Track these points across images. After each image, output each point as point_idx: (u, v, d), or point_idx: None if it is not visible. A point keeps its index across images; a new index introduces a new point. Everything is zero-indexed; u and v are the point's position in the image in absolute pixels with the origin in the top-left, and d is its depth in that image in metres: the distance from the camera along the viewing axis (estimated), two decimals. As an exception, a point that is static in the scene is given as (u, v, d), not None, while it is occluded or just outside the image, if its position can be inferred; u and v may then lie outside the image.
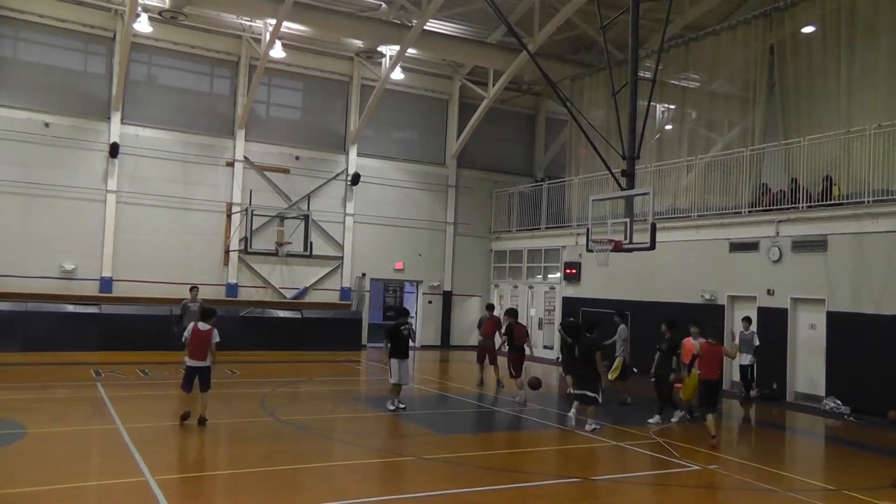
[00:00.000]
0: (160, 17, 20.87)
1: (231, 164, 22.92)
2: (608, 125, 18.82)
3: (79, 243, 20.78)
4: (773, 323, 16.48)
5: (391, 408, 12.90)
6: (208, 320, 11.39)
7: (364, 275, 24.86)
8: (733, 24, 19.69)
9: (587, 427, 11.98)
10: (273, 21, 20.61)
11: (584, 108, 21.71)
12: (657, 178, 20.14)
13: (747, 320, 16.06)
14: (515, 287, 25.70)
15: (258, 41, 22.12)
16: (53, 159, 20.55)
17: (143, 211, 21.60)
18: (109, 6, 21.10)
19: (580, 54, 24.97)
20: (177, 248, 21.94)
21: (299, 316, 22.96)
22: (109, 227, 21.12)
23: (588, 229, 15.16)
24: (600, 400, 12.20)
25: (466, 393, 16.09)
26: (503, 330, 16.09)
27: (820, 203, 16.06)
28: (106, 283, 21.04)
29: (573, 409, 12.35)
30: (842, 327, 15.31)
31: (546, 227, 24.32)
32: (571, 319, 17.15)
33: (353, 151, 24.64)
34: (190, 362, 11.22)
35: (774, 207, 17.11)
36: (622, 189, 14.52)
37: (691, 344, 13.17)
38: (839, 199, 15.77)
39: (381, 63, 23.78)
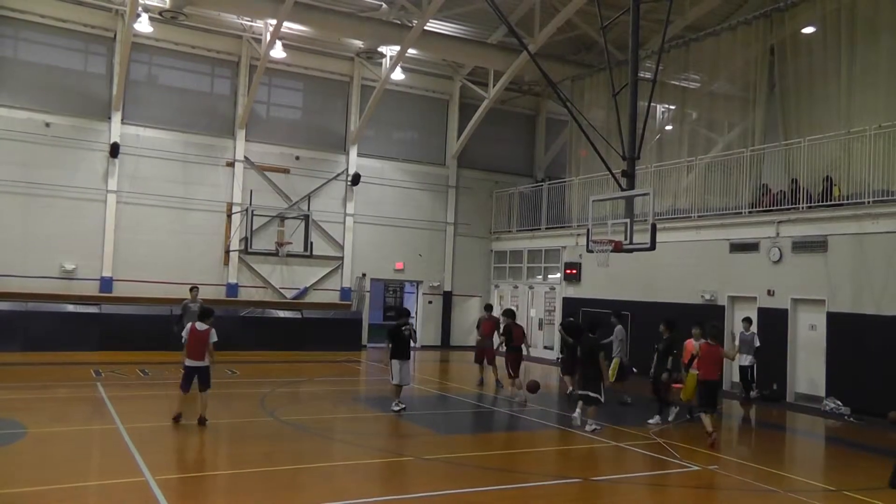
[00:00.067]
0: (161, 17, 20.89)
1: (231, 164, 22.93)
2: (608, 126, 18.82)
3: (79, 243, 20.79)
4: (774, 323, 16.47)
5: (395, 409, 12.88)
6: (206, 320, 11.41)
7: (364, 275, 24.86)
8: (733, 25, 19.69)
9: (587, 427, 11.98)
10: (273, 21, 20.61)
11: (584, 109, 21.71)
12: (657, 178, 20.14)
13: (748, 321, 16.05)
14: (515, 287, 25.70)
15: (259, 41, 22.12)
16: (54, 159, 20.56)
17: (143, 211, 21.61)
18: (110, 6, 21.11)
19: (580, 55, 24.97)
20: (177, 248, 21.94)
21: (299, 316, 22.96)
22: (110, 227, 21.13)
23: (588, 230, 15.17)
24: (602, 400, 12.22)
25: (466, 393, 16.09)
26: (501, 330, 16.10)
27: (820, 204, 16.06)
28: (106, 283, 21.05)
29: (578, 410, 12.35)
30: (842, 328, 15.31)
31: (546, 228, 24.33)
32: (571, 319, 17.18)
33: (353, 151, 24.65)
34: (188, 362, 11.23)
35: (775, 208, 17.11)
36: (622, 189, 14.53)
37: (692, 345, 13.17)
38: (839, 200, 15.76)
39: (381, 63, 23.79)
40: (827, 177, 16.18)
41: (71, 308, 20.16)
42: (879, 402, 13.67)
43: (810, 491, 9.06)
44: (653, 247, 13.61)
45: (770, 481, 9.35)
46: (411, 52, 22.74)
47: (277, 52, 22.01)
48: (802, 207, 16.34)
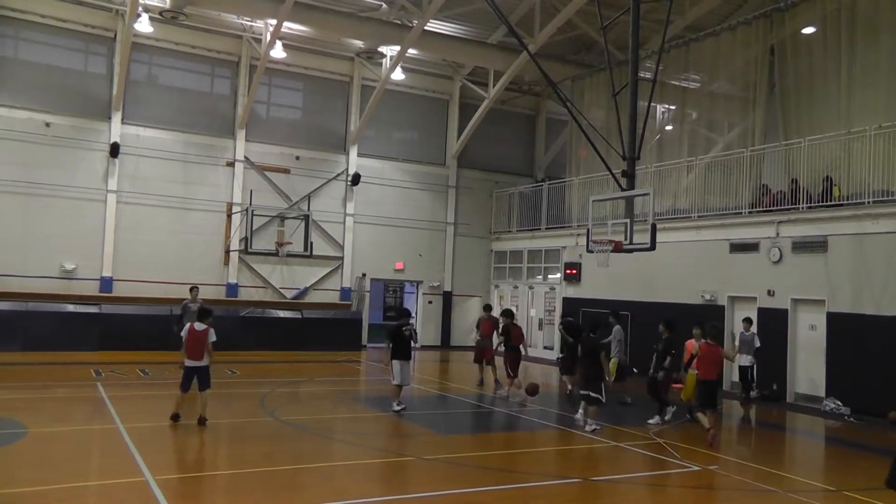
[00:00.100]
0: (161, 18, 20.89)
1: (231, 164, 22.93)
2: (608, 126, 18.82)
3: (79, 243, 20.79)
4: (774, 324, 16.47)
5: (396, 409, 12.87)
6: (205, 320, 11.44)
7: (364, 275, 24.86)
8: (734, 25, 19.69)
9: (587, 427, 11.99)
10: (274, 21, 20.61)
11: (584, 109, 21.71)
12: (657, 178, 20.15)
13: (748, 321, 16.03)
14: (516, 287, 25.70)
15: (259, 41, 22.13)
16: (54, 159, 20.56)
17: (143, 211, 21.61)
18: (110, 6, 21.11)
19: (581, 55, 24.98)
20: (177, 248, 21.95)
21: (299, 316, 22.96)
22: (110, 227, 21.13)
23: (588, 230, 15.18)
24: (604, 400, 12.23)
25: (466, 393, 16.09)
26: (500, 330, 16.11)
27: (820, 204, 16.06)
28: (106, 283, 21.05)
29: (581, 411, 12.35)
30: (842, 328, 15.31)
31: (546, 228, 24.32)
32: (570, 319, 17.20)
33: (353, 152, 24.65)
34: (188, 362, 11.26)
35: (775, 208, 17.11)
36: (622, 189, 14.53)
37: (692, 345, 13.16)
38: (839, 200, 15.76)
39: (381, 63, 23.79)
40: (827, 177, 16.18)
41: (71, 308, 20.16)
42: (879, 402, 13.69)
43: (810, 491, 9.07)
44: (653, 247, 13.62)
45: (770, 481, 9.35)
46: (411, 52, 22.74)
47: (277, 52, 22.02)
48: (802, 207, 16.34)
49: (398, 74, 23.69)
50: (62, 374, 16.40)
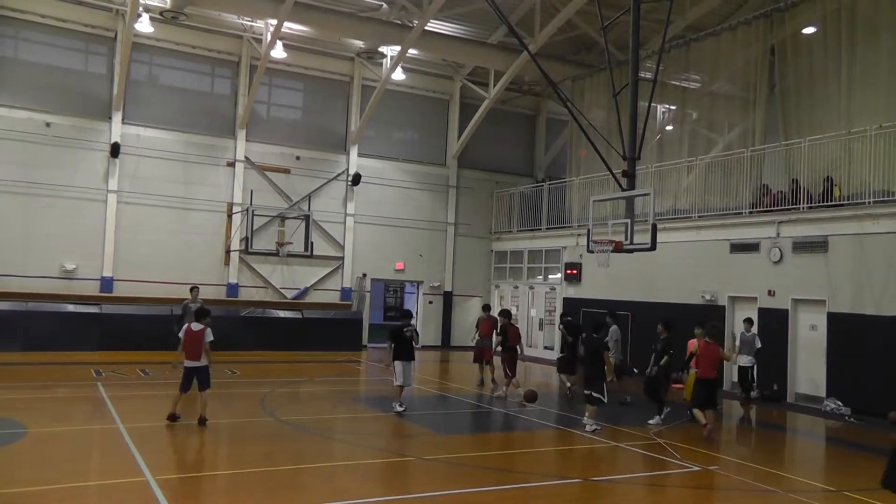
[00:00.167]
0: (161, 18, 20.89)
1: (232, 164, 22.93)
2: (609, 126, 18.82)
3: (79, 243, 20.80)
4: (774, 324, 16.46)
5: (398, 410, 12.86)
6: (202, 320, 11.45)
7: (365, 275, 24.86)
8: (734, 25, 19.69)
9: (587, 427, 11.98)
10: (274, 21, 20.61)
11: (584, 109, 21.71)
12: (658, 178, 20.14)
13: (749, 322, 16.02)
14: (516, 288, 25.70)
15: (259, 41, 22.13)
16: (54, 159, 20.56)
17: (143, 211, 21.62)
18: (111, 6, 21.12)
19: (581, 55, 24.97)
20: (177, 248, 21.95)
21: (300, 316, 22.96)
22: (110, 227, 21.14)
23: (589, 230, 15.18)
24: (605, 400, 12.22)
25: (466, 393, 16.09)
26: (498, 330, 16.12)
27: (821, 204, 16.05)
28: (106, 283, 21.05)
29: (587, 415, 12.29)
30: (842, 328, 15.31)
31: (547, 228, 24.32)
32: (570, 318, 17.22)
33: (353, 152, 24.65)
34: (187, 363, 11.29)
35: (775, 208, 17.10)
36: (623, 190, 14.53)
37: (694, 345, 13.17)
38: (840, 200, 15.75)
39: (381, 63, 23.80)
40: (827, 177, 16.17)
41: (71, 308, 20.17)
42: (880, 403, 13.69)
43: (810, 491, 9.07)
44: (653, 247, 13.62)
45: (770, 481, 9.35)
46: (412, 52, 22.74)
47: (278, 52, 22.02)
48: (803, 208, 16.34)
49: (398, 74, 23.69)
50: (62, 374, 16.40)
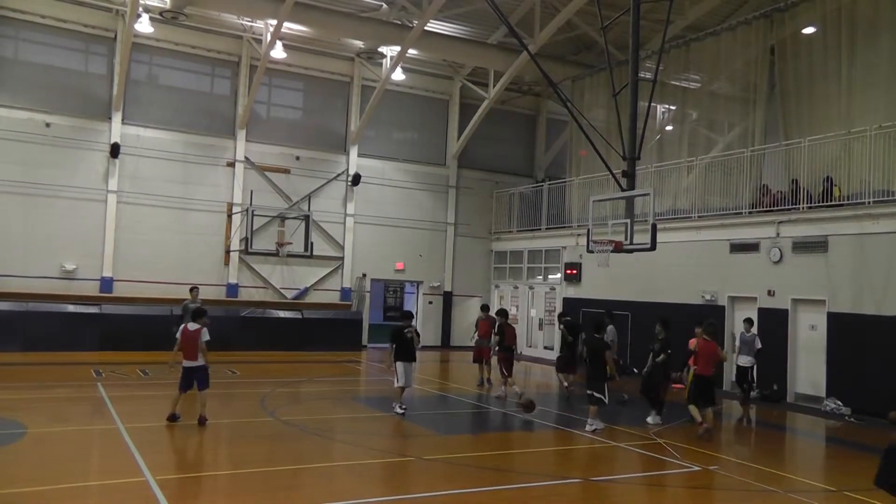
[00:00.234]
0: (161, 18, 20.90)
1: (232, 165, 22.93)
2: (609, 126, 18.83)
3: (79, 243, 20.80)
4: (774, 324, 16.46)
5: (399, 411, 12.84)
6: (198, 320, 11.47)
7: (364, 275, 24.86)
8: (734, 25, 19.69)
9: (588, 427, 11.98)
10: (274, 21, 20.61)
11: (584, 109, 21.72)
12: (658, 178, 20.14)
13: (749, 322, 16.03)
14: (516, 288, 25.70)
15: (259, 41, 22.13)
16: (54, 159, 20.56)
17: (143, 211, 21.62)
18: (110, 6, 21.12)
19: (581, 55, 24.97)
20: (177, 249, 21.95)
21: (300, 316, 22.96)
22: (110, 227, 21.14)
23: (589, 230, 15.18)
24: (606, 401, 12.21)
25: (467, 393, 16.08)
26: (496, 330, 16.12)
27: (820, 204, 16.05)
28: (106, 283, 21.05)
29: (591, 415, 12.27)
30: (842, 328, 15.30)
31: (546, 228, 24.32)
32: (569, 318, 17.20)
33: (353, 152, 24.65)
34: (185, 363, 11.31)
35: (775, 208, 17.10)
36: (623, 190, 14.53)
37: (694, 343, 13.15)
38: (840, 200, 15.75)
39: (381, 63, 23.80)
40: (827, 177, 16.17)
41: (71, 308, 20.16)
42: (880, 403, 13.67)
43: (810, 491, 9.06)
44: (653, 247, 13.61)
45: (770, 482, 9.35)
46: (411, 52, 22.74)
47: (278, 52, 22.02)
48: (803, 208, 16.33)
49: (398, 75, 23.70)
50: (62, 374, 16.41)
